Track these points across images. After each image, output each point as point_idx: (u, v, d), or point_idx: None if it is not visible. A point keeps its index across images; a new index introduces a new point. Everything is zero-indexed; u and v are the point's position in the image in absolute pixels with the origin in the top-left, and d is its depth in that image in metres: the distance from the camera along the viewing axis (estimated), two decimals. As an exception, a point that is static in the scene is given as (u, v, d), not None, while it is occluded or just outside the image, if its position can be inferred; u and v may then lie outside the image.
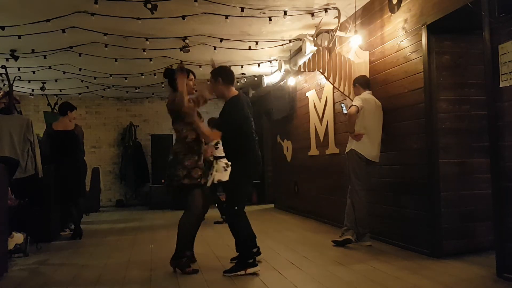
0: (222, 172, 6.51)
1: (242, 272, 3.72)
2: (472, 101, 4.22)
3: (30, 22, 5.38)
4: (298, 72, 7.13)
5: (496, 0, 3.33)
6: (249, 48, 6.87)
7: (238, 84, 9.43)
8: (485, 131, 3.81)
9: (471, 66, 4.24)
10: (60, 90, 9.39)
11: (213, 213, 7.15)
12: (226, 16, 5.39)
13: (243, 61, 7.80)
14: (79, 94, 10.00)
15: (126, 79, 8.58)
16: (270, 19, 5.52)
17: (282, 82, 8.28)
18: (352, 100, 4.90)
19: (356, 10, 5.30)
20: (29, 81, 8.49)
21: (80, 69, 7.75)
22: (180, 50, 6.56)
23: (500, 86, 3.32)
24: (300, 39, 6.43)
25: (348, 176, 4.92)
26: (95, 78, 8.42)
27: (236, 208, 3.81)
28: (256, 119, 11.19)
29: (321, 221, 6.75)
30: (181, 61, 4.57)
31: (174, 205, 9.53)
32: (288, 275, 3.67)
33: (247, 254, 3.79)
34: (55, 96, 9.36)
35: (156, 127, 11.39)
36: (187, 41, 6.32)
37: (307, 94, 7.27)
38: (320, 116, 6.73)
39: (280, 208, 9.05)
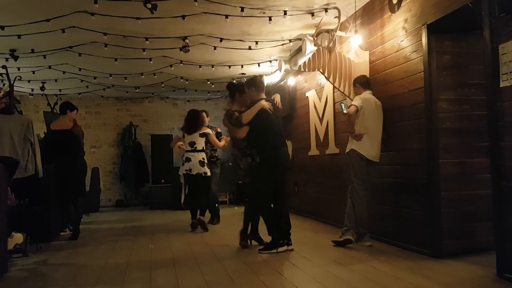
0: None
1: (274, 251, 4.54)
2: (472, 101, 4.22)
3: (30, 22, 5.38)
4: (298, 72, 7.13)
5: (496, 0, 3.33)
6: (249, 48, 6.86)
7: (238, 84, 9.42)
8: (485, 131, 3.81)
9: (471, 66, 4.23)
10: (60, 90, 9.38)
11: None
12: (226, 16, 5.38)
13: (243, 61, 7.80)
14: (79, 94, 9.99)
15: (126, 79, 8.58)
16: (270, 19, 5.52)
17: (282, 82, 8.28)
18: (352, 100, 4.90)
19: (356, 10, 5.30)
20: (29, 81, 8.49)
21: (80, 69, 7.75)
22: (180, 50, 6.55)
23: (500, 86, 3.32)
24: (300, 39, 6.43)
25: (348, 176, 4.92)
26: (95, 78, 8.42)
27: (262, 199, 4.67)
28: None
29: (321, 221, 6.75)
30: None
31: (173, 205, 9.54)
32: (288, 275, 3.67)
33: (277, 235, 4.62)
34: (55, 96, 9.36)
35: (156, 127, 11.38)
36: (187, 41, 6.31)
37: (307, 94, 7.27)
38: (320, 116, 6.72)
39: (280, 208, 9.03)
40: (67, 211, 6.07)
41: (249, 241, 4.92)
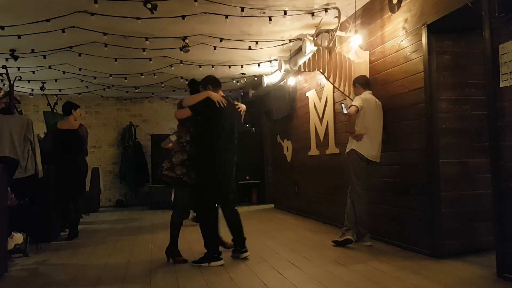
0: None
1: (206, 264, 4.12)
2: (472, 101, 4.22)
3: (30, 22, 5.38)
4: (298, 72, 7.13)
5: (496, 0, 3.33)
6: (249, 48, 6.86)
7: (238, 84, 9.42)
8: (485, 131, 3.81)
9: (471, 66, 4.24)
10: (60, 90, 9.38)
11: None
12: (226, 16, 5.38)
13: (243, 61, 7.80)
14: (79, 94, 9.99)
15: (126, 79, 8.58)
16: (270, 19, 5.52)
17: (282, 82, 8.28)
18: (352, 100, 4.90)
19: (356, 10, 5.30)
20: (29, 81, 8.48)
21: (80, 69, 7.75)
22: (180, 50, 6.55)
23: (500, 86, 3.32)
24: (300, 39, 6.43)
25: (348, 176, 4.92)
26: (95, 78, 8.42)
27: (205, 207, 4.29)
28: (256, 119, 11.15)
29: (321, 221, 6.75)
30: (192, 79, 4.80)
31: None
32: (288, 275, 3.67)
33: (211, 249, 4.19)
34: (55, 96, 9.35)
35: (156, 127, 11.38)
36: (187, 41, 6.31)
37: (307, 94, 7.27)
38: (320, 116, 6.73)
39: (280, 208, 9.05)
40: (67, 211, 6.08)
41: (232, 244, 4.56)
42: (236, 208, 4.54)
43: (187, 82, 4.92)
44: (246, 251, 4.39)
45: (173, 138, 6.66)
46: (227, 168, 4.33)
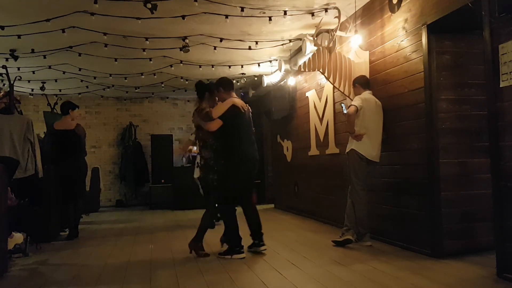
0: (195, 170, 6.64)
1: (229, 257, 4.38)
2: (472, 101, 4.22)
3: (30, 22, 5.38)
4: (298, 72, 7.13)
5: (496, 0, 3.33)
6: (249, 48, 6.86)
7: (238, 84, 9.43)
8: (485, 131, 3.81)
9: (471, 66, 4.23)
10: (60, 90, 9.39)
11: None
12: (226, 16, 5.38)
13: (243, 61, 7.80)
14: (79, 94, 9.99)
15: (126, 79, 8.58)
16: (270, 19, 5.52)
17: (282, 82, 8.28)
18: (352, 100, 4.90)
19: (356, 10, 5.30)
20: (29, 81, 8.49)
21: (79, 69, 7.75)
22: (180, 50, 6.55)
23: (500, 86, 3.32)
24: (300, 39, 6.43)
25: (348, 176, 4.92)
26: (94, 78, 8.42)
27: (225, 203, 4.52)
28: (256, 119, 11.20)
29: (321, 221, 6.75)
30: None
31: (173, 205, 9.55)
32: (288, 275, 3.67)
33: (233, 243, 4.46)
34: (55, 96, 9.36)
35: (156, 127, 11.39)
36: (187, 41, 6.31)
37: (307, 94, 7.27)
38: (320, 116, 6.73)
39: (280, 208, 9.05)
40: (67, 211, 6.08)
41: (220, 244, 4.77)
42: (255, 205, 4.78)
43: (192, 84, 5.07)
44: (264, 244, 4.58)
45: (192, 137, 6.62)
46: (253, 164, 4.57)
